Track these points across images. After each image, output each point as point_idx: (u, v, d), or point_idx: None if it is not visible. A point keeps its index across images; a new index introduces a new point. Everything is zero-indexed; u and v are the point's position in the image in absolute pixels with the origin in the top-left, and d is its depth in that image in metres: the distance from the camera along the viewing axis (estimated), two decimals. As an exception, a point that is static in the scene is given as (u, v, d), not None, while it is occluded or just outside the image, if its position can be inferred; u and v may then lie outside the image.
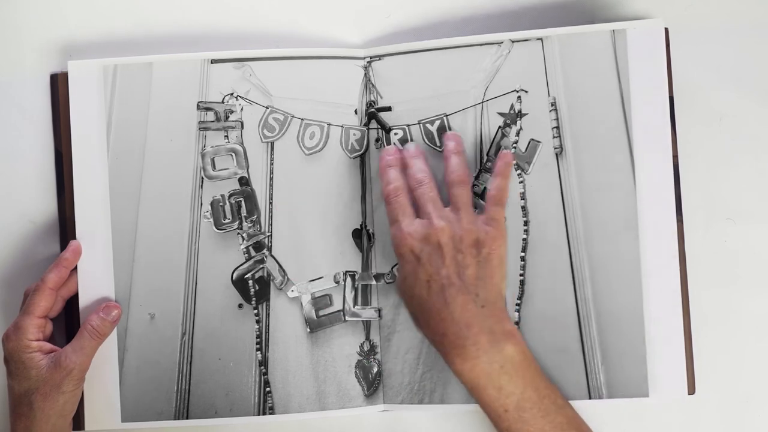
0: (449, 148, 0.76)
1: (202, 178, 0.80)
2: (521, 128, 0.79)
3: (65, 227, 0.80)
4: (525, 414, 0.69)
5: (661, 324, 0.75)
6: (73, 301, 0.79)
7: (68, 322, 0.79)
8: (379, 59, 0.80)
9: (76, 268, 0.78)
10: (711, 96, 0.81)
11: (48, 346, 0.74)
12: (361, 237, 0.80)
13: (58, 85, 0.80)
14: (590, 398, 0.77)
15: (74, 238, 0.78)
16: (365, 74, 0.81)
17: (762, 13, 0.81)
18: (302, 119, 0.80)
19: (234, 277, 0.80)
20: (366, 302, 0.80)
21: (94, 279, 0.78)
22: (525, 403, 0.69)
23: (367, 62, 0.80)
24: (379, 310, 0.80)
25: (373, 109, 0.80)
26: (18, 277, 0.81)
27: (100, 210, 0.79)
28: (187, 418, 0.79)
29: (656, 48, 0.77)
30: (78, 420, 0.78)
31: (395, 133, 0.80)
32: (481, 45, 0.79)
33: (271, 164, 0.80)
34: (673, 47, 0.78)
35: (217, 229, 0.80)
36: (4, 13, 0.83)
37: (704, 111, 0.81)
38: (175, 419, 0.79)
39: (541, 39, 0.79)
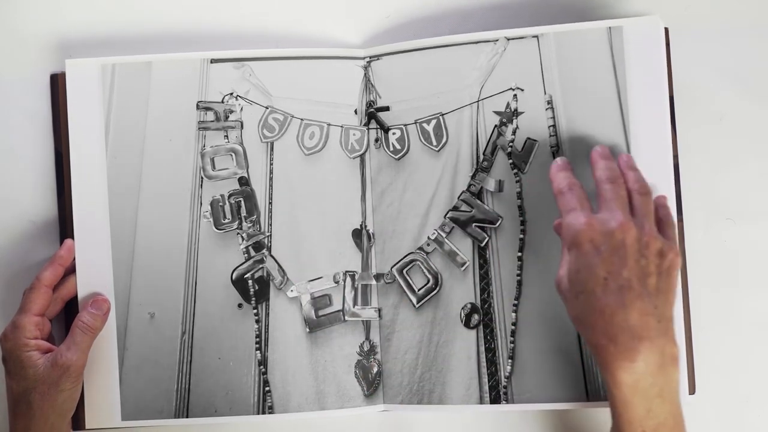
0: (624, 161, 0.72)
1: (202, 177, 0.80)
2: (517, 127, 0.78)
3: (65, 227, 0.80)
4: None
5: None
6: (73, 303, 0.79)
7: (69, 323, 0.79)
8: (378, 59, 0.80)
9: (74, 269, 0.78)
10: (711, 96, 0.81)
11: (45, 345, 0.75)
12: (361, 237, 0.80)
13: (58, 85, 0.81)
14: (588, 400, 0.76)
15: (73, 238, 0.79)
16: (365, 74, 0.81)
17: (762, 13, 0.81)
18: (302, 119, 0.80)
19: (234, 277, 0.80)
20: (366, 302, 0.80)
21: (93, 279, 0.78)
22: (662, 428, 0.65)
23: (367, 62, 0.80)
24: (379, 310, 0.80)
25: (372, 109, 0.80)
26: (18, 277, 0.81)
27: (99, 209, 0.79)
28: (186, 417, 0.79)
29: (654, 45, 0.76)
30: (78, 418, 0.78)
31: (393, 133, 0.80)
32: (476, 43, 0.79)
33: (271, 164, 0.80)
34: (673, 47, 0.78)
35: (217, 228, 0.80)
36: (3, 13, 0.83)
37: (704, 111, 0.81)
38: (174, 418, 0.79)
39: (536, 36, 0.78)
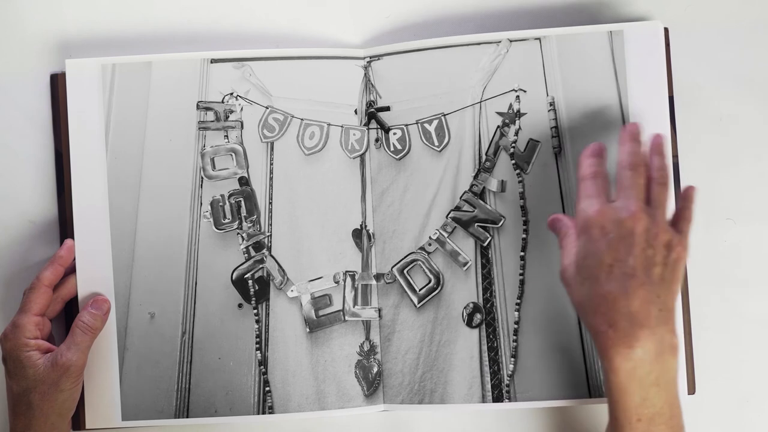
0: (654, 144, 0.72)
1: (202, 177, 0.80)
2: (520, 128, 0.79)
3: (65, 227, 0.80)
4: (653, 428, 0.66)
5: None
6: (73, 303, 0.79)
7: (69, 323, 0.79)
8: (378, 59, 0.80)
9: (75, 269, 0.78)
10: (711, 96, 0.81)
11: (46, 345, 0.74)
12: (361, 237, 0.80)
13: (58, 85, 0.81)
14: (591, 397, 0.77)
15: (73, 238, 0.79)
16: (365, 74, 0.81)
17: (762, 13, 0.81)
18: (302, 119, 0.80)
19: (234, 277, 0.80)
20: (366, 302, 0.80)
21: (93, 279, 0.78)
22: (658, 418, 0.66)
23: (367, 62, 0.80)
24: (379, 310, 0.80)
25: (372, 109, 0.80)
26: (18, 277, 0.81)
27: (99, 210, 0.79)
28: (187, 417, 0.79)
29: (655, 49, 0.77)
30: (78, 418, 0.78)
31: (394, 133, 0.80)
32: (479, 44, 0.79)
33: (271, 164, 0.80)
34: (673, 47, 0.78)
35: (217, 229, 0.80)
36: (3, 13, 0.83)
37: (704, 111, 0.81)
38: (175, 418, 0.79)
39: (539, 39, 0.79)
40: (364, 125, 0.81)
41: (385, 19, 0.83)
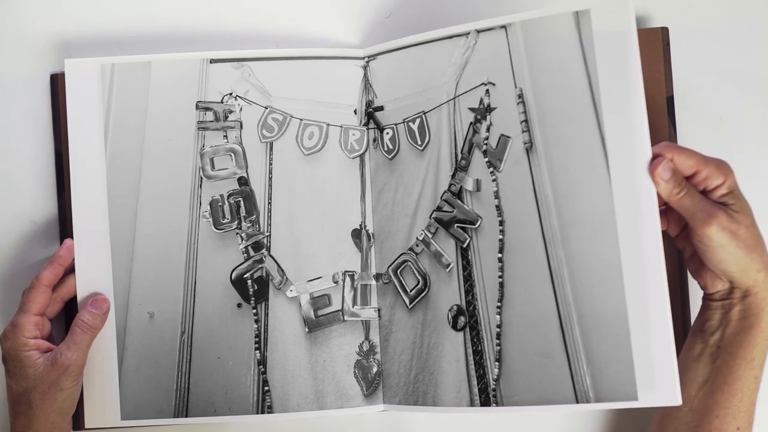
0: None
1: (201, 178, 0.80)
2: (491, 123, 0.76)
3: (65, 227, 0.80)
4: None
5: (647, 324, 0.71)
6: (73, 302, 0.79)
7: (69, 323, 0.79)
8: (374, 58, 0.80)
9: (74, 269, 0.79)
10: (711, 96, 0.80)
11: (45, 344, 0.75)
12: (360, 237, 0.80)
13: (58, 85, 0.81)
14: (577, 402, 0.73)
15: (73, 238, 0.79)
16: (364, 74, 0.81)
17: (762, 13, 0.81)
18: (301, 119, 0.80)
19: (233, 277, 0.80)
20: (365, 302, 0.80)
21: (93, 279, 0.78)
22: None
23: (366, 62, 0.80)
24: (379, 310, 0.80)
25: (371, 109, 0.80)
26: (18, 277, 0.81)
27: (98, 210, 0.79)
28: (186, 416, 0.79)
29: (625, 28, 0.70)
30: (78, 418, 0.78)
31: (387, 133, 0.80)
32: (450, 37, 0.77)
33: (270, 164, 0.81)
34: (673, 47, 0.78)
35: (216, 228, 0.80)
36: (3, 13, 0.83)
37: (704, 111, 0.80)
38: (174, 417, 0.79)
39: (505, 27, 0.75)
40: (364, 125, 0.81)
41: (385, 18, 0.83)
